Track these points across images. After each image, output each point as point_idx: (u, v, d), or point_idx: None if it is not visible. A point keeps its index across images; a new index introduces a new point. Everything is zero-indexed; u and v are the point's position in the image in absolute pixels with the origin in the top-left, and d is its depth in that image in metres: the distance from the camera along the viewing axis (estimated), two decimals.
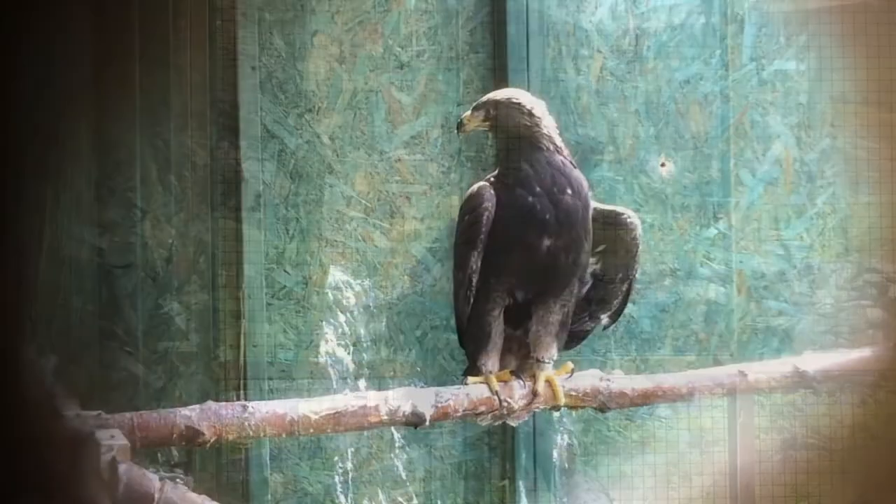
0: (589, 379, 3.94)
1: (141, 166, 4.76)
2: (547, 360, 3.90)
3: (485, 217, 3.74)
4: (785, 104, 5.36)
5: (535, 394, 3.87)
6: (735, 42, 5.32)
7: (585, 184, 3.80)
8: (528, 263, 3.76)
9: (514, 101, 3.73)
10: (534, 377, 3.88)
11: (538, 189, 3.70)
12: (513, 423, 4.29)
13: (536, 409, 4.00)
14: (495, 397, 3.81)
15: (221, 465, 4.86)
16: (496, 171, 3.86)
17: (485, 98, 3.76)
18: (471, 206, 3.80)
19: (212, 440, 3.51)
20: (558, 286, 3.82)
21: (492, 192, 3.80)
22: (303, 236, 4.96)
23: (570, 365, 3.97)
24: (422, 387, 3.91)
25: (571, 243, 3.76)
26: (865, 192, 5.27)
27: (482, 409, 3.82)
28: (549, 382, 3.88)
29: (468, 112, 3.70)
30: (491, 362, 3.84)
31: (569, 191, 3.73)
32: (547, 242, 3.74)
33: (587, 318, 4.10)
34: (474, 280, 3.80)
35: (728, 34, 5.31)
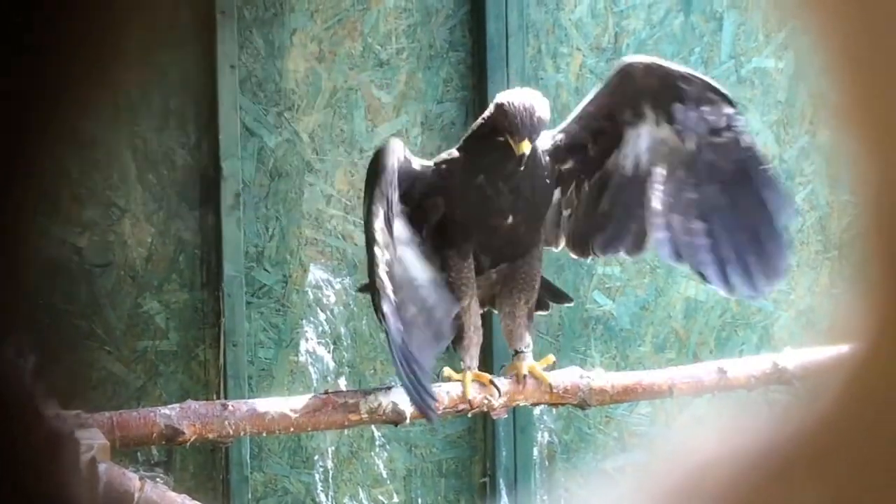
0: (569, 376, 3.94)
1: (119, 165, 4.75)
2: (525, 349, 3.90)
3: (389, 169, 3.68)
4: (764, 102, 5.37)
5: (522, 384, 3.87)
6: (714, 40, 5.33)
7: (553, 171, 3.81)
8: (485, 240, 3.78)
9: (545, 117, 3.68)
10: (516, 370, 3.88)
11: (500, 184, 3.69)
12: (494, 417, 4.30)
13: (518, 405, 4.00)
14: (475, 396, 3.81)
15: (201, 464, 4.86)
16: (465, 143, 3.80)
17: (532, 118, 3.59)
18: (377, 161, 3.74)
19: (192, 439, 3.50)
20: (518, 253, 3.83)
21: (401, 148, 3.77)
22: (282, 235, 4.95)
23: (552, 358, 3.98)
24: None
25: (529, 217, 3.78)
26: (844, 190, 5.29)
27: (462, 407, 3.81)
28: (531, 373, 3.89)
29: (525, 142, 3.57)
30: (468, 357, 3.84)
31: (535, 183, 3.74)
32: (505, 222, 3.75)
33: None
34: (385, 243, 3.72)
35: (707, 32, 5.32)
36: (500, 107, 3.63)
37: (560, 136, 3.85)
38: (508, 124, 3.59)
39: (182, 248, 4.84)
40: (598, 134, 3.91)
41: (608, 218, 3.96)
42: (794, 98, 5.37)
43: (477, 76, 5.08)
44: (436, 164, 3.78)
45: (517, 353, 3.90)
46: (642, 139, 3.93)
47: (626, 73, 3.87)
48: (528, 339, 3.91)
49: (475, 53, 5.09)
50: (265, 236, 4.94)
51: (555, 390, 3.90)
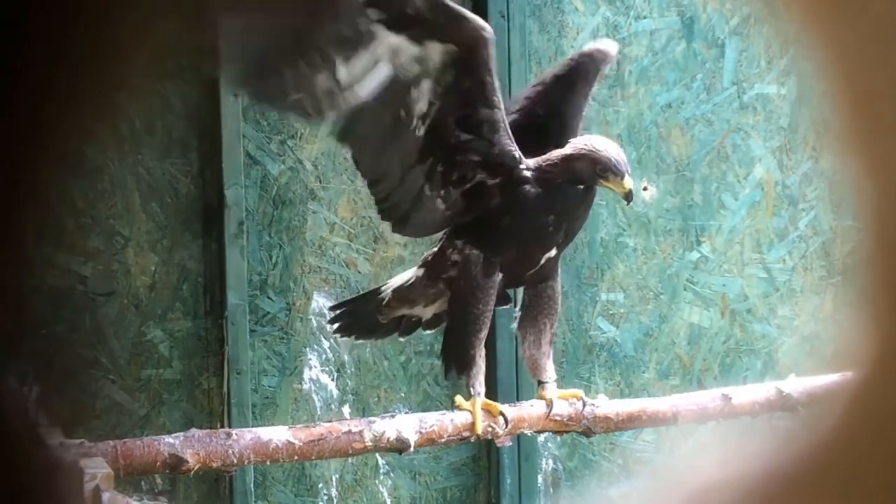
0: (573, 403, 3.94)
1: (123, 194, 4.76)
2: (548, 380, 3.91)
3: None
4: (766, 128, 5.38)
5: (550, 407, 3.89)
6: (716, 66, 5.34)
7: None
8: (517, 262, 3.77)
9: None
10: (545, 398, 3.90)
11: (565, 225, 3.70)
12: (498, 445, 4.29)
13: (523, 432, 4.00)
14: (481, 424, 3.80)
15: (205, 493, 4.85)
16: (541, 167, 3.75)
17: (622, 155, 3.62)
18: None
19: (196, 468, 3.49)
20: (537, 280, 3.84)
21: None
22: (286, 263, 4.95)
23: (580, 393, 4.01)
24: (406, 412, 3.89)
25: (559, 257, 3.81)
26: (847, 215, 5.29)
27: (467, 434, 3.81)
28: (562, 398, 3.91)
29: (627, 178, 3.59)
30: (478, 383, 3.83)
31: (584, 219, 3.77)
32: (548, 254, 3.76)
33: None
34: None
35: (709, 59, 5.33)
36: (585, 156, 3.63)
37: None
38: (603, 168, 3.60)
39: (185, 276, 4.84)
40: None
41: None
42: (796, 124, 5.37)
43: None
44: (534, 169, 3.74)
45: (541, 383, 3.92)
46: None
47: None
48: (551, 368, 3.92)
49: None
50: (269, 264, 4.94)
51: (587, 409, 3.91)
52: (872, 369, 0.71)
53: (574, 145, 3.67)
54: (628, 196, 3.64)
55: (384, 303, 3.96)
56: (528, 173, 3.68)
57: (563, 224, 3.69)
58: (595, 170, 3.60)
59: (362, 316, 4.05)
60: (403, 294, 3.93)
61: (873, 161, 0.69)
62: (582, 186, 3.64)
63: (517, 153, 3.67)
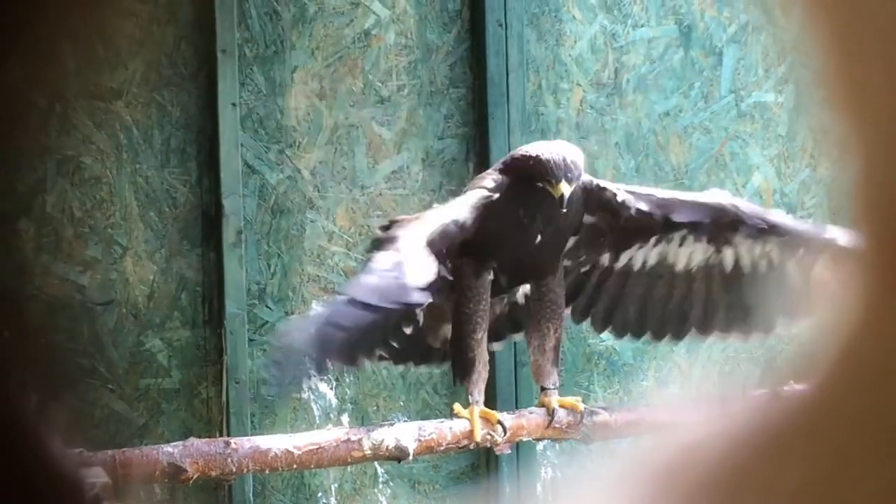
0: (572, 411, 3.94)
1: (121, 203, 4.76)
2: (552, 386, 3.94)
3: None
4: (764, 136, 5.38)
5: (552, 416, 3.90)
6: (714, 74, 5.34)
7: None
8: (507, 257, 3.82)
9: (578, 161, 3.77)
10: (547, 405, 3.91)
11: (538, 216, 3.75)
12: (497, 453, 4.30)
13: (521, 440, 4.00)
14: (480, 432, 3.80)
15: (204, 502, 4.84)
16: (502, 174, 3.85)
17: (566, 162, 3.70)
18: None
19: (195, 477, 3.49)
20: (537, 273, 3.87)
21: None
22: (284, 272, 4.95)
23: (579, 405, 4.02)
24: (405, 421, 3.89)
25: (553, 238, 3.84)
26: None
27: (465, 442, 3.81)
28: (563, 406, 3.92)
29: (563, 184, 3.67)
30: (477, 392, 3.84)
31: (558, 222, 3.78)
32: (533, 242, 3.79)
33: None
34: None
35: (707, 67, 5.34)
36: (535, 158, 3.73)
37: (610, 193, 3.91)
38: (545, 171, 3.68)
39: (184, 285, 4.83)
40: (645, 222, 3.96)
41: (636, 303, 4.06)
42: (794, 132, 5.38)
43: (478, 112, 5.09)
44: (475, 208, 3.80)
45: (543, 389, 3.93)
46: (692, 255, 4.03)
47: (718, 209, 3.98)
48: (555, 376, 3.94)
49: (476, 90, 5.10)
50: (267, 273, 4.94)
51: (584, 420, 3.92)
52: (858, 320, 0.71)
53: (525, 149, 3.80)
54: (560, 201, 3.68)
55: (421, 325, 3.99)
56: (491, 183, 3.81)
57: (536, 214, 3.74)
58: (536, 174, 3.69)
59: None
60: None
61: (871, 166, 0.69)
62: (540, 185, 3.72)
63: (481, 184, 3.82)
